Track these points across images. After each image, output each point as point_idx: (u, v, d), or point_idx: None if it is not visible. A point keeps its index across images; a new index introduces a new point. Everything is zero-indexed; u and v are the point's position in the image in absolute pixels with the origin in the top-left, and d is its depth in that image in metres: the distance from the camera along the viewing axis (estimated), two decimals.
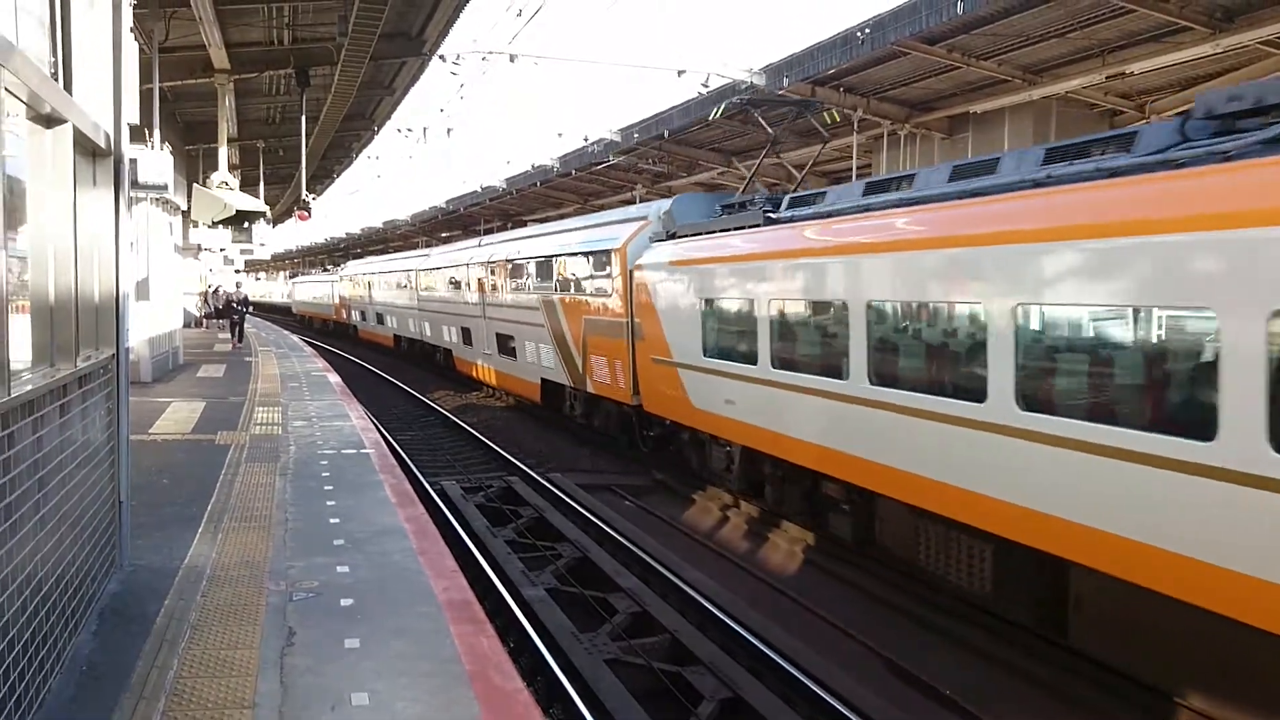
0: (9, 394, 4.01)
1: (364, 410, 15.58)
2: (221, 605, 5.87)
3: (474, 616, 5.75)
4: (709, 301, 13.14)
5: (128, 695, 4.63)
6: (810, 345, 11.10)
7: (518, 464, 16.69)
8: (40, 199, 4.85)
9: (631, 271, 15.55)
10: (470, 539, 11.84)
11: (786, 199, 12.50)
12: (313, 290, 63.19)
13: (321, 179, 37.27)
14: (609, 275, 16.59)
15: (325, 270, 69.84)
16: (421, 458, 17.58)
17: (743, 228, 12.73)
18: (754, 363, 11.81)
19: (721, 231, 13.39)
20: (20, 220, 4.69)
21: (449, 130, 28.61)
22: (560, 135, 65.61)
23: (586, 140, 28.19)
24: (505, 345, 23.03)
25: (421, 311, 32.40)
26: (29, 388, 4.36)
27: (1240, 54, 14.14)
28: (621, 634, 9.02)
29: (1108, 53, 14.71)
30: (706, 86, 20.11)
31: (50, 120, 4.93)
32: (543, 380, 20.52)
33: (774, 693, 7.65)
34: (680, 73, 19.10)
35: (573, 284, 18.51)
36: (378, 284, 40.62)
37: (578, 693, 7.53)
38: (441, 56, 18.24)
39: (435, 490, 14.43)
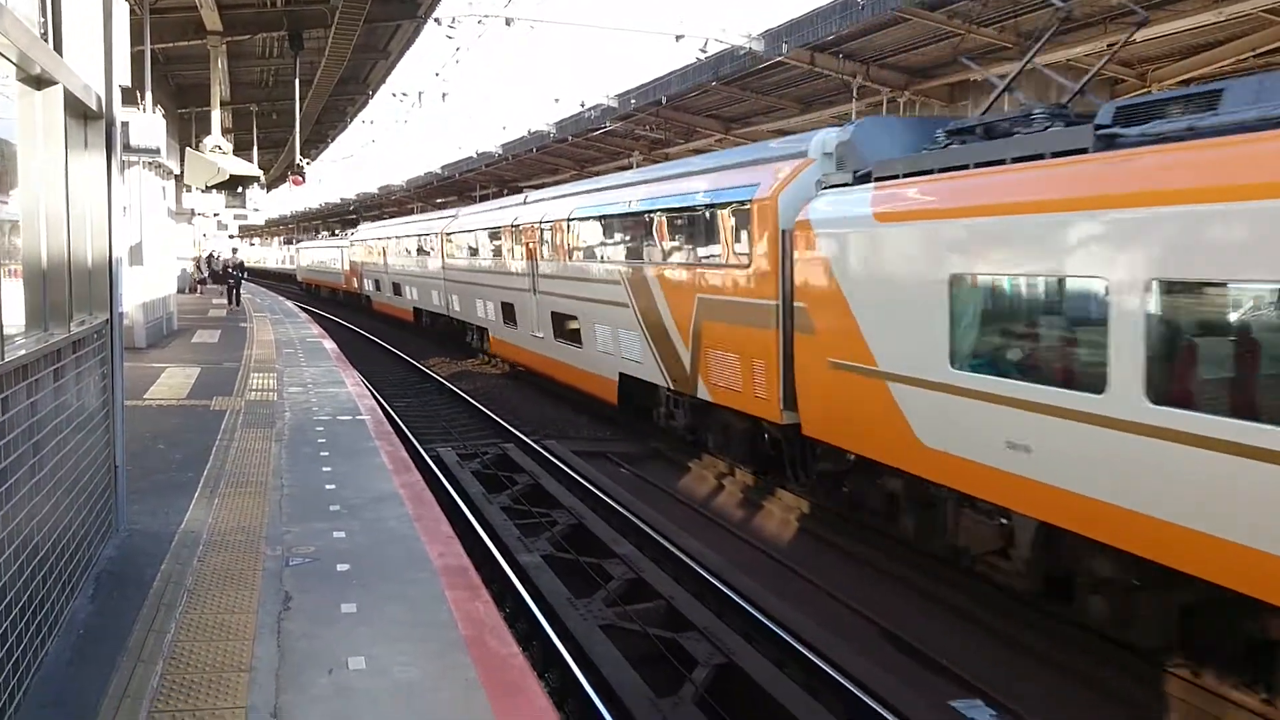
0: (2, 358, 3.99)
1: (360, 377, 15.56)
2: (218, 570, 5.89)
3: (470, 582, 5.77)
4: (966, 280, 8.51)
5: (125, 658, 4.64)
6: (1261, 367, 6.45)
7: (514, 431, 16.70)
8: (31, 162, 4.80)
9: (788, 233, 11.05)
10: (466, 506, 11.88)
11: (1111, 109, 7.79)
12: (320, 256, 57.60)
13: (315, 143, 37.04)
14: (744, 239, 12.07)
15: (334, 234, 64.85)
16: (417, 424, 17.59)
17: (1045, 157, 7.85)
18: (1095, 388, 7.06)
19: (985, 167, 8.50)
20: (11, 184, 4.65)
21: (444, 95, 28.35)
22: (557, 101, 65.24)
23: (583, 106, 28.02)
24: (564, 328, 18.61)
25: (449, 282, 28.06)
26: (22, 352, 4.34)
27: (1243, 22, 14.04)
28: (617, 600, 9.07)
29: (1110, 20, 14.60)
30: (705, 51, 19.96)
31: (40, 82, 4.87)
32: (621, 376, 16.06)
33: (768, 658, 7.71)
34: (678, 37, 18.94)
35: (677, 251, 14.24)
36: (395, 249, 35.92)
37: (573, 657, 7.59)
38: (436, 20, 18.09)
39: (431, 457, 14.45)
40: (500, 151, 36.16)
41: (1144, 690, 7.30)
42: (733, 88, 21.77)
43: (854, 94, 19.21)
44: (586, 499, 12.60)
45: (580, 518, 11.53)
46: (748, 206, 11.83)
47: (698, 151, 27.16)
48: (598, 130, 28.07)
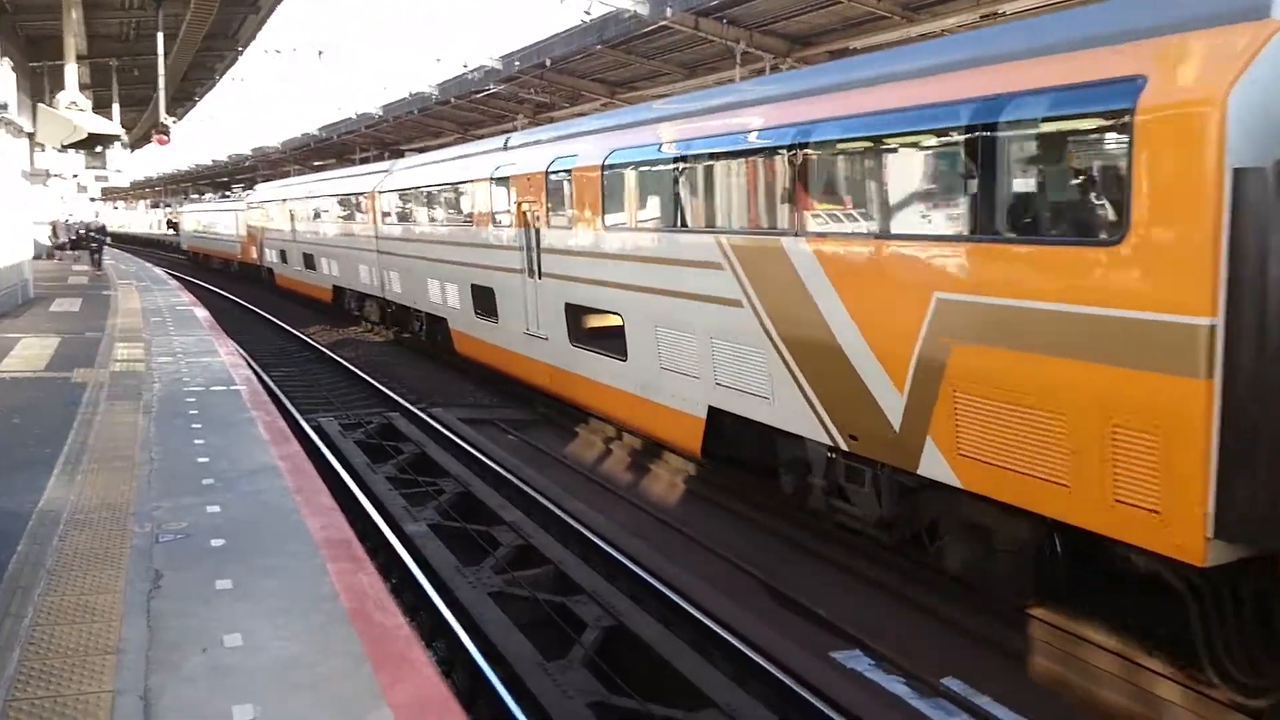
0: None
1: (235, 346, 14.99)
2: (81, 549, 5.60)
3: (352, 554, 5.64)
4: None
5: None
6: None
7: (398, 400, 16.40)
8: None
9: (1251, 177, 5.48)
10: (350, 476, 11.62)
11: None
12: (209, 220, 50.15)
13: (183, 101, 35.21)
14: (1104, 186, 6.55)
15: (224, 196, 57.35)
16: (297, 394, 17.09)
17: None
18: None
19: None
20: None
21: (320, 53, 27.33)
22: (439, 61, 63.62)
23: (466, 68, 27.44)
24: (592, 330, 13.52)
25: (385, 255, 22.86)
26: None
27: None
28: (505, 567, 9.05)
29: None
30: (589, 14, 19.76)
31: None
32: (713, 413, 10.54)
33: (656, 618, 7.82)
34: None
35: (886, 210, 8.15)
36: (306, 213, 30.17)
37: (462, 625, 7.54)
38: None
39: (312, 427, 14.08)
40: (381, 113, 35.15)
41: (1010, 635, 7.68)
42: (618, 51, 21.63)
43: (738, 60, 19.33)
44: (473, 466, 12.49)
45: (467, 485, 11.43)
46: (1123, 119, 6.04)
47: (582, 115, 26.81)
48: (481, 93, 27.55)
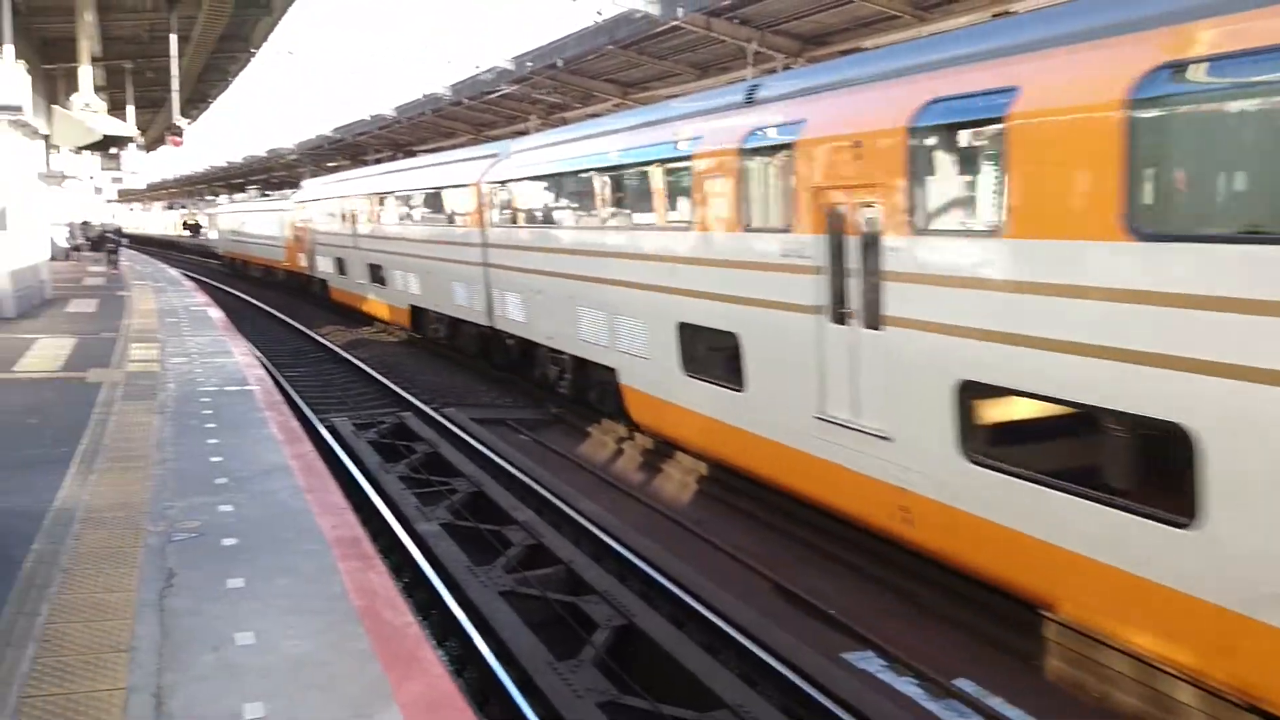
0: None
1: (249, 346, 15.06)
2: (95, 548, 5.64)
3: (363, 553, 5.66)
4: None
5: None
6: None
7: (411, 399, 16.43)
8: None
9: None
10: (362, 476, 11.65)
11: None
12: (248, 222, 43.57)
13: (197, 103, 35.40)
14: None
15: (263, 195, 49.79)
16: (311, 394, 17.15)
17: None
18: None
19: None
20: None
21: (333, 55, 27.43)
22: (450, 62, 63.83)
23: (478, 68, 27.48)
24: (1022, 440, 7.38)
25: (499, 270, 17.09)
26: None
27: None
28: (517, 566, 9.05)
29: None
30: (601, 15, 19.77)
31: None
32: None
33: (667, 618, 7.81)
34: None
35: None
36: (374, 212, 24.62)
37: (473, 624, 7.55)
38: None
39: (325, 427, 14.12)
40: (394, 114, 35.22)
41: (1024, 638, 7.63)
42: (630, 52, 21.61)
43: (749, 60, 19.28)
44: (486, 466, 12.50)
45: (480, 485, 11.44)
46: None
47: (595, 116, 26.85)
48: (493, 93, 27.56)
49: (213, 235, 59.95)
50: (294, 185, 43.44)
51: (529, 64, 24.27)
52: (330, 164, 51.98)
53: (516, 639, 7.37)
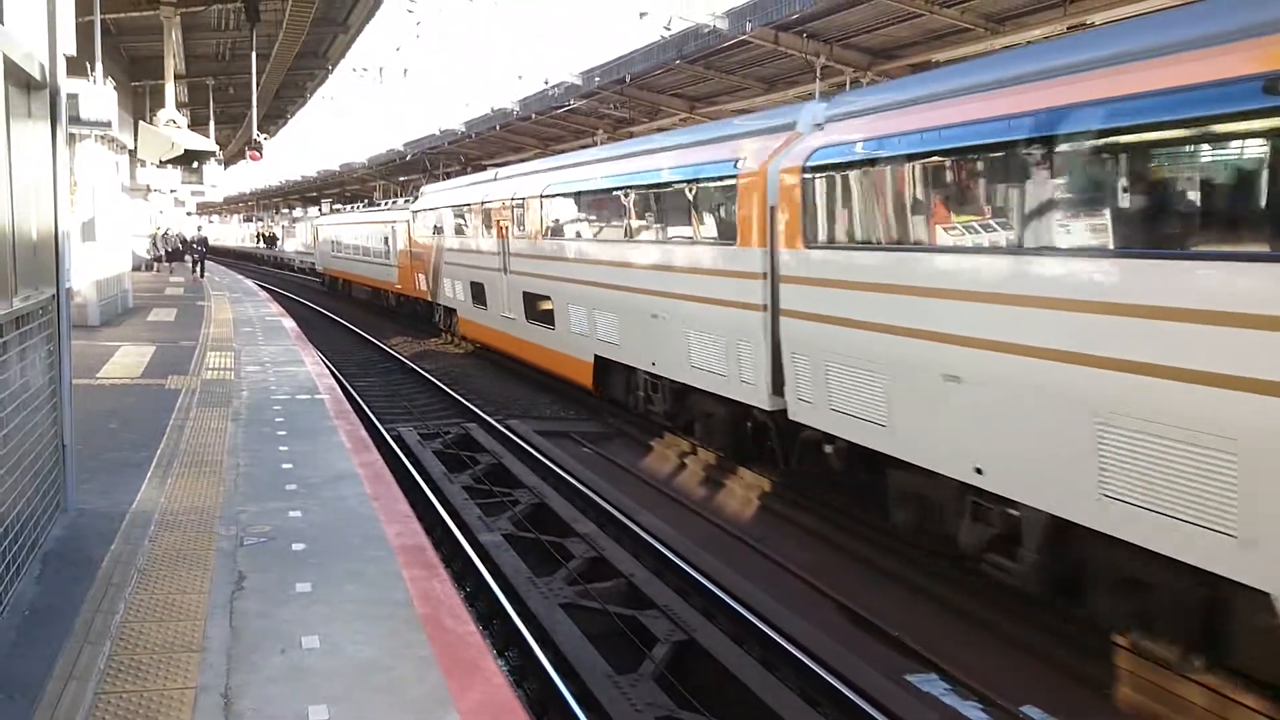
0: None
1: (319, 356, 15.39)
2: (170, 550, 5.80)
3: (427, 561, 5.73)
4: None
5: (71, 639, 4.56)
6: None
7: (476, 410, 16.62)
8: None
9: None
10: (427, 485, 11.81)
11: None
12: (351, 236, 37.78)
13: (274, 119, 36.50)
14: None
15: (365, 205, 44.34)
16: (378, 404, 17.45)
17: None
18: None
19: None
20: None
21: (405, 71, 28.01)
22: (520, 78, 64.70)
23: (547, 84, 27.81)
24: None
25: (820, 326, 9.70)
26: None
27: None
28: (578, 579, 9.08)
29: (1070, 2, 14.70)
30: (669, 30, 19.88)
31: None
32: None
33: (726, 634, 7.76)
34: (642, 15, 18.84)
35: None
36: (537, 222, 17.85)
37: (533, 635, 7.59)
38: None
39: (392, 437, 14.35)
40: (464, 129, 35.81)
41: (1095, 664, 7.43)
42: (697, 66, 21.69)
43: (818, 74, 19.21)
44: (549, 478, 12.58)
45: (542, 497, 11.51)
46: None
47: (662, 130, 27.03)
48: (562, 108, 27.87)
49: (292, 247, 58.31)
50: (407, 191, 40.87)
51: (597, 79, 24.49)
52: (401, 178, 52.96)
53: (576, 651, 7.39)
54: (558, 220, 17.34)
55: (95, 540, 5.91)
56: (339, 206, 55.29)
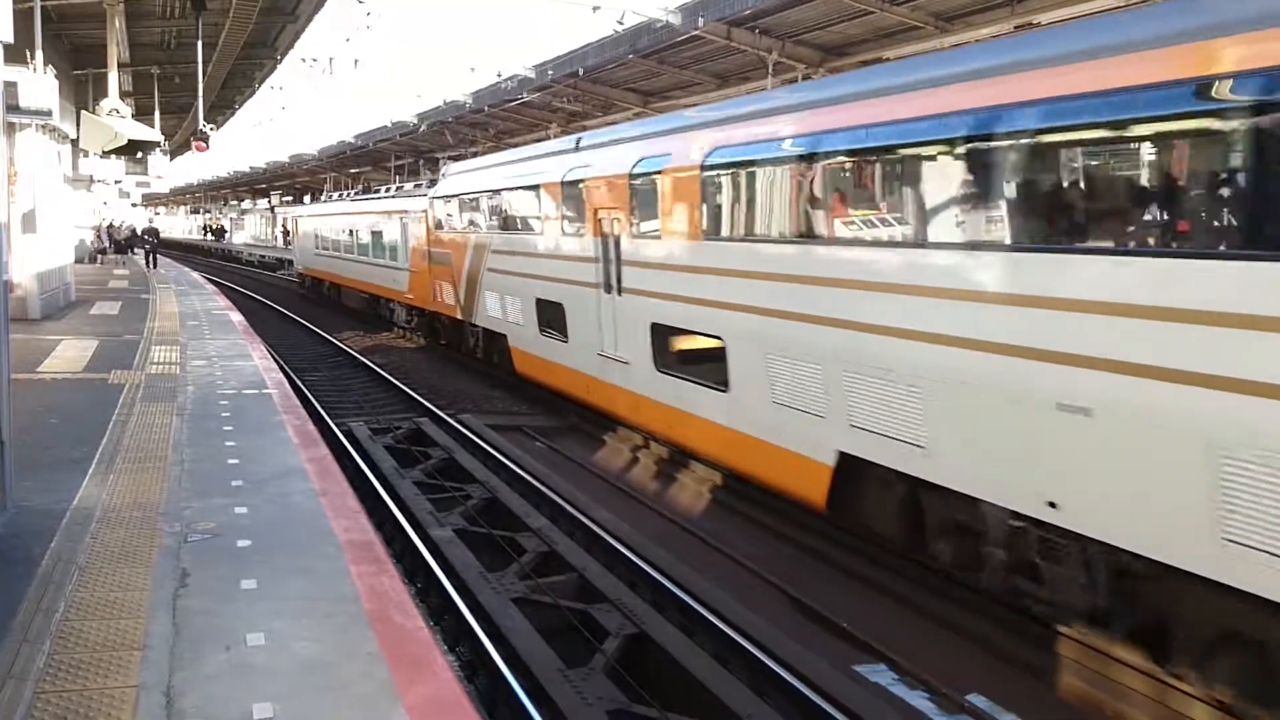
0: None
1: (268, 350, 15.19)
2: (112, 547, 5.70)
3: (376, 556, 5.70)
4: None
5: (9, 638, 4.47)
6: None
7: (428, 405, 16.51)
8: None
9: None
10: (377, 480, 11.72)
11: None
12: (342, 229, 30.50)
13: (222, 109, 35.86)
14: None
15: (367, 192, 33.87)
16: (328, 399, 17.26)
17: None
18: None
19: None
20: None
21: (356, 61, 27.68)
22: (473, 70, 64.18)
23: (500, 76, 27.66)
24: None
25: None
26: None
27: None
28: (530, 573, 9.07)
29: (1017, 1, 14.93)
30: (622, 24, 19.87)
31: None
32: None
33: (678, 627, 7.80)
34: (595, 8, 18.79)
35: None
36: (696, 201, 10.96)
37: (485, 631, 7.57)
38: None
39: (342, 432, 14.20)
40: (415, 121, 35.48)
41: (1040, 653, 7.58)
42: (650, 61, 21.69)
43: (769, 70, 19.31)
44: (500, 472, 12.54)
45: (494, 491, 11.47)
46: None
47: (610, 125, 26.94)
48: (514, 101, 27.72)
49: (241, 239, 55.72)
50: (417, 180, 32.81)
51: (550, 72, 24.40)
52: (353, 170, 52.26)
53: (528, 646, 7.38)
54: (760, 206, 10.37)
55: (35, 538, 5.79)
56: (334, 194, 44.20)
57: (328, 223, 33.31)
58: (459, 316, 20.09)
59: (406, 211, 23.86)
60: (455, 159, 30.54)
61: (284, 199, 72.81)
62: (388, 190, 28.87)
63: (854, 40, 18.30)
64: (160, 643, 4.46)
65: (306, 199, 68.04)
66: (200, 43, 18.78)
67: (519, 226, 16.82)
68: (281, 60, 26.19)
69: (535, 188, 15.76)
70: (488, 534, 10.20)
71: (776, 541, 10.33)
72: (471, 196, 19.12)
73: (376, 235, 26.73)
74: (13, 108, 11.47)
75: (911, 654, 7.66)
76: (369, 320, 28.70)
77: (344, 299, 32.29)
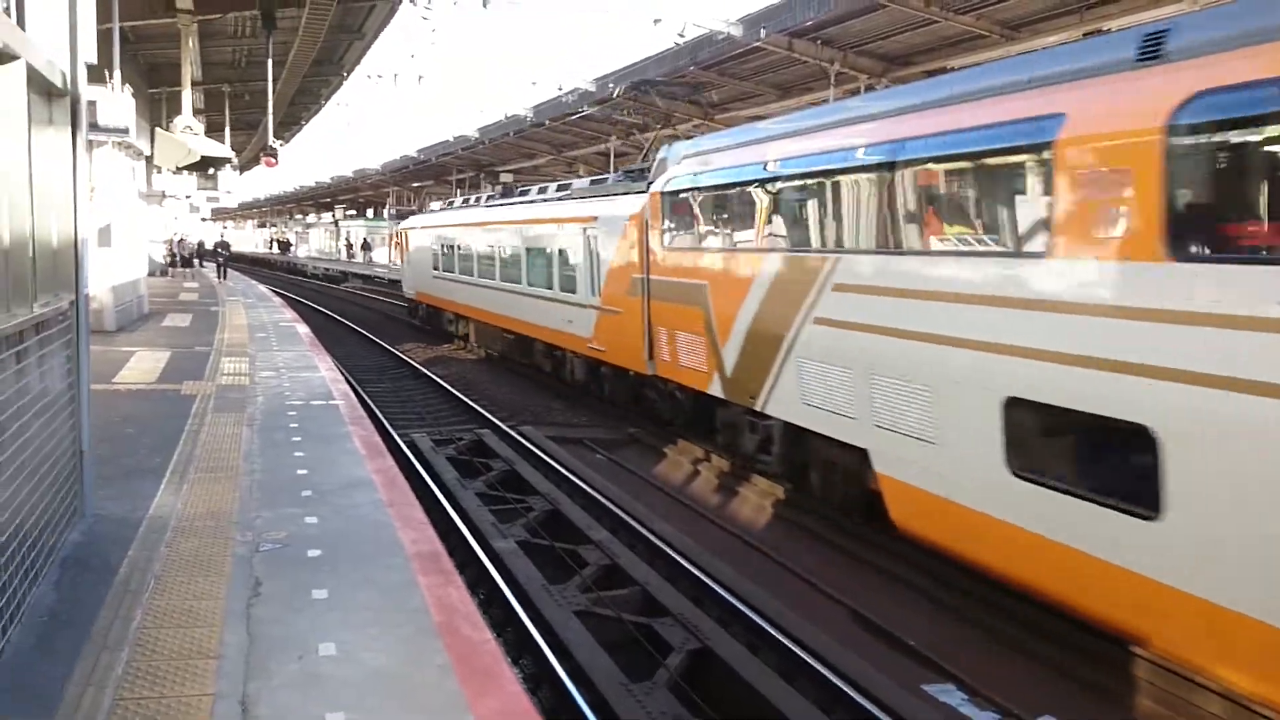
0: None
1: (333, 362, 15.43)
2: (186, 556, 5.81)
3: (442, 568, 5.73)
4: None
5: (89, 645, 4.57)
6: None
7: (489, 417, 16.63)
8: None
9: None
10: (441, 491, 11.81)
11: None
12: (483, 246, 22.63)
13: (290, 125, 36.69)
14: None
15: (510, 191, 24.62)
16: (391, 410, 17.48)
17: None
18: None
19: None
20: None
21: (420, 77, 28.07)
22: (534, 84, 64.81)
23: (561, 90, 27.88)
24: None
25: None
26: None
27: None
28: (591, 586, 9.05)
29: (1086, 9, 14.64)
30: (683, 36, 19.89)
31: (1, 56, 4.75)
32: None
33: (742, 643, 7.73)
34: (656, 21, 18.86)
35: None
36: None
37: (547, 643, 7.57)
38: (412, 0, 17.89)
39: (405, 442, 14.36)
40: (477, 135, 35.91)
41: (1113, 678, 7.36)
42: (711, 73, 21.69)
43: (831, 80, 19.19)
44: (562, 485, 12.56)
45: (556, 504, 11.49)
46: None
47: (677, 137, 26.98)
48: (575, 115, 27.92)
49: (305, 252, 56.90)
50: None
51: (610, 85, 24.52)
52: (415, 184, 53.06)
53: (591, 659, 7.36)
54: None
55: (112, 546, 5.93)
56: (467, 198, 29.56)
57: (457, 235, 24.98)
58: (714, 391, 12.44)
59: (595, 219, 16.17)
60: (516, 173, 30.30)
61: (347, 213, 74.18)
62: (558, 190, 19.83)
63: (917, 49, 18.11)
64: (235, 651, 4.53)
65: (369, 212, 68.65)
66: (270, 60, 19.23)
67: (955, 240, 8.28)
68: (348, 77, 26.74)
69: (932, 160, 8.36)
70: (550, 546, 10.21)
71: (840, 556, 10.19)
72: (776, 183, 10.90)
73: (536, 253, 19.24)
74: (93, 126, 11.84)
75: (982, 674, 7.49)
76: (429, 333, 29.01)
77: (476, 337, 24.81)
